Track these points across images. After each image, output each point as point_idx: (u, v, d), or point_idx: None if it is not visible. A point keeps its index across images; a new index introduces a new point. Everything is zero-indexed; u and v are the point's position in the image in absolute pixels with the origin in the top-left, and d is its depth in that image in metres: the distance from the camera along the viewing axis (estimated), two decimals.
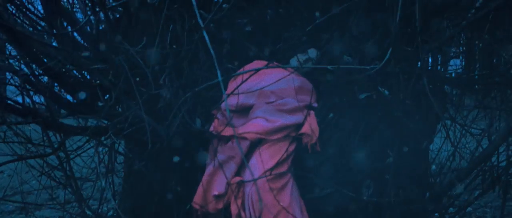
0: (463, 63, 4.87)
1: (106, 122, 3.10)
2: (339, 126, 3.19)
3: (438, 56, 4.36)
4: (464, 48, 4.73)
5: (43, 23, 3.06)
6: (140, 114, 2.63)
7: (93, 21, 3.05)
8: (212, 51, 1.77)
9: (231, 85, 3.34)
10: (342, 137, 3.17)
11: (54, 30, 2.74)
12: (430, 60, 4.54)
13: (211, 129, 3.20)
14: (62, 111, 3.21)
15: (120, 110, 2.86)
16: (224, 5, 3.68)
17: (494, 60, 4.44)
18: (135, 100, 2.67)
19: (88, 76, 3.04)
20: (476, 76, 4.20)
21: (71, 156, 3.46)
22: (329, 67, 2.67)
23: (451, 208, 4.06)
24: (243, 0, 3.68)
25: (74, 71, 2.98)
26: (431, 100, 3.23)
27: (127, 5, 3.38)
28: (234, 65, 3.57)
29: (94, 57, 2.73)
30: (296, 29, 3.73)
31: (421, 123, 3.34)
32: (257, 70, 2.79)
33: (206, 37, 1.77)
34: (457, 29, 3.49)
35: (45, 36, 2.95)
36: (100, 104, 3.08)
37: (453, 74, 4.50)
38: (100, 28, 2.98)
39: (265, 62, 3.46)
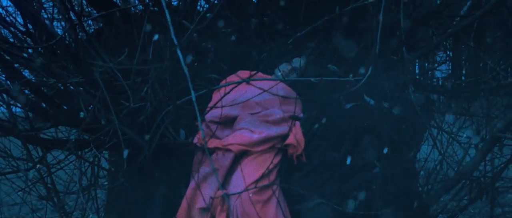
0: (449, 70, 4.87)
1: (87, 135, 3.04)
2: (325, 136, 3.15)
3: (425, 64, 4.35)
4: (449, 55, 4.73)
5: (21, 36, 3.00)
6: (120, 127, 2.57)
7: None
8: (185, 70, 1.71)
9: (216, 96, 3.29)
10: (328, 147, 3.13)
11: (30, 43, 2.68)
12: (417, 68, 4.54)
13: (195, 140, 3.15)
14: (42, 124, 3.14)
15: (103, 122, 2.79)
16: (207, 15, 3.65)
17: (480, 66, 4.44)
18: (116, 113, 2.61)
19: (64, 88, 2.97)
20: (463, 84, 4.19)
21: (53, 169, 3.39)
22: (312, 79, 2.62)
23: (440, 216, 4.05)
24: (227, 9, 3.65)
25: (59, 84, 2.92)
26: (417, 109, 3.21)
27: (108, 16, 3.33)
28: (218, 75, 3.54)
29: (73, 70, 2.67)
30: (281, 38, 3.71)
31: (408, 132, 3.31)
32: (239, 83, 2.73)
33: (180, 55, 1.71)
34: (442, 37, 3.47)
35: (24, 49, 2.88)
36: (81, 115, 3.02)
37: (439, 82, 4.49)
38: (80, 38, 2.91)
39: (248, 73, 3.42)
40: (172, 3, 3.77)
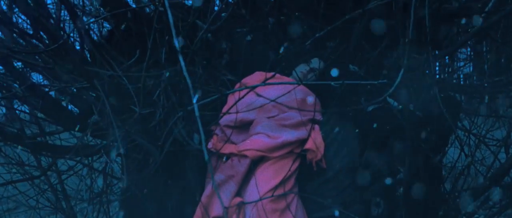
0: (471, 68, 4.67)
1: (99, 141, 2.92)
2: (346, 140, 2.99)
3: (448, 62, 4.16)
4: (472, 53, 4.54)
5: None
6: (131, 134, 2.44)
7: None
8: (188, 79, 1.57)
9: (231, 99, 3.16)
10: (348, 152, 2.97)
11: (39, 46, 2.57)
12: (437, 67, 4.34)
13: (210, 146, 3.02)
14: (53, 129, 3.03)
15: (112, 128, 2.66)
16: (222, 14, 3.51)
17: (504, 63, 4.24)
18: (125, 119, 2.48)
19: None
20: (486, 84, 3.99)
21: (63, 177, 3.28)
22: (332, 83, 2.46)
23: None
24: (242, 8, 3.51)
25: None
26: (443, 110, 3.04)
27: (119, 17, 3.22)
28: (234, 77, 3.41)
29: (80, 75, 2.55)
30: (299, 38, 3.56)
31: (434, 135, 3.14)
32: (253, 87, 2.59)
33: (182, 62, 1.57)
34: (469, 34, 3.29)
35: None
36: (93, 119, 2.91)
37: (461, 81, 4.29)
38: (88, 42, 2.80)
39: (267, 74, 3.28)
40: (185, 2, 3.63)
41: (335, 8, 3.28)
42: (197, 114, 1.58)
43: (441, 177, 3.41)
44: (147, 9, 3.56)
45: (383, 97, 2.66)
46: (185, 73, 1.58)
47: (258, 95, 2.38)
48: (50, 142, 3.07)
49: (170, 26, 2.10)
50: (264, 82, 2.13)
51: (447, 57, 3.83)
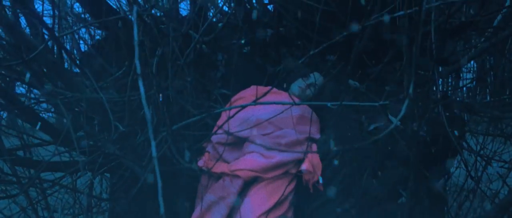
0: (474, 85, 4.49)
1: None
2: (345, 161, 2.82)
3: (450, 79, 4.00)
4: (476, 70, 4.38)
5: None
6: (114, 151, 2.28)
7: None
8: (147, 113, 1.40)
9: (224, 114, 3.00)
10: (347, 174, 2.80)
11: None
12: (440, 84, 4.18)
13: (201, 164, 2.85)
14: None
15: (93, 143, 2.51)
16: (219, 24, 3.36)
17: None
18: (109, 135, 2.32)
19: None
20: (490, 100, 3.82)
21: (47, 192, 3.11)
22: (328, 104, 2.30)
23: None
24: (239, 18, 3.36)
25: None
26: (448, 130, 2.88)
27: (110, 26, 3.07)
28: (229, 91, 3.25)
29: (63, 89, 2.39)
30: (298, 51, 3.41)
31: (438, 156, 2.97)
32: (244, 106, 2.42)
33: (141, 88, 1.40)
34: (476, 51, 3.13)
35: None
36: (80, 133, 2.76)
37: (467, 99, 4.12)
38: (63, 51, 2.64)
39: (263, 88, 3.12)
40: (180, 12, 3.48)
41: (335, 20, 3.13)
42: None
43: (445, 201, 3.23)
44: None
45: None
46: (143, 101, 1.40)
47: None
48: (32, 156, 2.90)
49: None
50: (255, 101, 1.96)
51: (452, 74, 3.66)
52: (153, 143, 1.31)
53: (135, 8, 1.51)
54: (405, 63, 2.49)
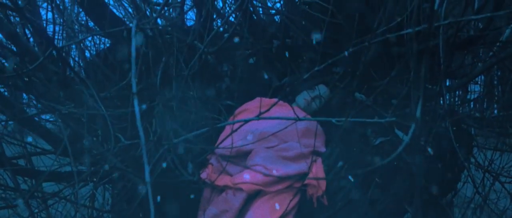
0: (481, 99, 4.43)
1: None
2: (350, 175, 2.77)
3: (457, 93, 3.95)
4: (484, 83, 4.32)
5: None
6: (115, 163, 2.25)
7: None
8: (141, 131, 1.37)
9: (229, 126, 2.97)
10: (353, 188, 2.76)
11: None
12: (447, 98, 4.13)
13: (204, 176, 2.82)
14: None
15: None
16: (225, 35, 3.34)
17: None
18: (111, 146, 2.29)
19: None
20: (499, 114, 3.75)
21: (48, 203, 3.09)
22: (334, 121, 2.26)
23: None
24: (245, 29, 3.33)
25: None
26: (455, 145, 2.83)
27: (115, 35, 3.05)
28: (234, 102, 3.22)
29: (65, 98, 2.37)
30: (304, 62, 3.38)
31: (444, 172, 2.92)
32: (247, 120, 2.39)
33: (136, 107, 1.37)
34: (486, 64, 3.08)
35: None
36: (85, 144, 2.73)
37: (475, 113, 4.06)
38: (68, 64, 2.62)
39: (268, 100, 3.09)
40: (186, 23, 3.46)
41: (342, 32, 3.10)
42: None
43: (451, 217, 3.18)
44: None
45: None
46: (138, 124, 1.37)
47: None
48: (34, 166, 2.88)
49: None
50: (259, 116, 1.92)
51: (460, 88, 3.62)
52: (147, 168, 1.27)
53: (134, 21, 1.48)
54: (412, 81, 2.46)
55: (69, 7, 3.68)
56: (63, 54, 2.87)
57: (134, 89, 1.34)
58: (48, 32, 2.63)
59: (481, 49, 3.46)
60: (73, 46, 3.68)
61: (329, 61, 2.44)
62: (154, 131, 2.62)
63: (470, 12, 3.03)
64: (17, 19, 2.74)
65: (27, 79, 2.30)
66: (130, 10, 4.00)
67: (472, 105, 3.99)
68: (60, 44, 3.33)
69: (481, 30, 3.16)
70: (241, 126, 2.49)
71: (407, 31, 2.27)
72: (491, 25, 3.10)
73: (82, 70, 3.42)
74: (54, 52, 2.16)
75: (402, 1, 2.91)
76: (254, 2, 3.67)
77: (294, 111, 2.37)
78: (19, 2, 2.80)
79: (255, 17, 3.53)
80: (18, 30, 2.49)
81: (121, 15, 3.98)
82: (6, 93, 2.59)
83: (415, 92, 2.69)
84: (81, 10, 3.31)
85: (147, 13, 3.05)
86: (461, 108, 3.57)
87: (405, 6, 2.88)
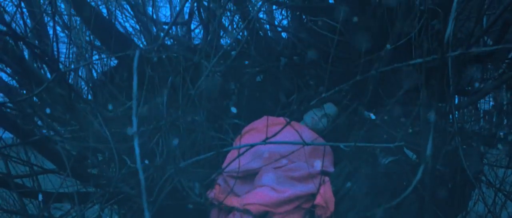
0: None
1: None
2: (359, 196, 2.74)
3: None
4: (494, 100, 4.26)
5: None
6: (122, 187, 2.24)
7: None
8: (141, 174, 1.35)
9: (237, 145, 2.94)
10: (361, 209, 2.72)
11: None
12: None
13: (211, 196, 2.79)
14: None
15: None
16: (232, 53, 3.32)
17: None
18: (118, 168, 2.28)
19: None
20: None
21: None
22: (342, 146, 2.23)
23: None
24: (252, 47, 3.32)
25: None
26: (464, 164, 2.79)
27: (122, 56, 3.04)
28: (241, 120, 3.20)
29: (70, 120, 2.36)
30: (312, 80, 3.36)
31: (455, 191, 2.88)
32: (252, 145, 2.37)
33: (136, 146, 1.35)
34: (498, 81, 3.05)
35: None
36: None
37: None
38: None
39: (276, 119, 3.07)
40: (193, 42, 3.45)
41: (350, 49, 3.08)
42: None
43: None
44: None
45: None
46: (139, 167, 1.34)
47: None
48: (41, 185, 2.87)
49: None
50: (265, 141, 1.90)
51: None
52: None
53: (137, 52, 1.47)
54: (421, 100, 2.43)
55: (77, 27, 3.70)
56: (70, 75, 2.86)
57: (135, 128, 1.31)
58: (54, 52, 2.63)
59: (491, 66, 3.42)
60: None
61: (334, 90, 2.39)
62: (161, 152, 2.60)
63: (479, 29, 3.00)
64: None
65: (36, 102, 2.30)
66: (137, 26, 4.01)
67: (482, 123, 3.95)
68: (68, 63, 3.33)
69: (491, 47, 3.13)
70: (246, 151, 2.47)
71: (416, 61, 2.23)
72: (502, 42, 3.08)
73: (90, 90, 3.42)
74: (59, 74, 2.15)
75: (410, 19, 2.89)
76: (261, 19, 3.66)
77: (298, 132, 2.33)
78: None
79: (262, 35, 3.51)
80: (24, 53, 2.49)
81: (129, 28, 3.98)
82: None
83: (424, 111, 2.67)
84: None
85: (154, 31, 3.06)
86: (470, 126, 3.52)
87: (414, 24, 2.87)
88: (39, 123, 2.59)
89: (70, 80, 3.48)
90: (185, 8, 3.68)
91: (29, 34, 3.20)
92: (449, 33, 1.96)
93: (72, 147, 2.30)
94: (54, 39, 2.55)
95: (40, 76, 2.08)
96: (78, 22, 3.53)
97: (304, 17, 3.54)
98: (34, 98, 2.42)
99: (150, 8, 3.56)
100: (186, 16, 3.62)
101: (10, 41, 2.09)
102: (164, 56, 2.78)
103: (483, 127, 3.59)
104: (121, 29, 3.66)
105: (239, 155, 2.36)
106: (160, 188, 2.37)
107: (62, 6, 3.76)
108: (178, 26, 3.81)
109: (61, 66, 3.57)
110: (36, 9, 3.16)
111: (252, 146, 2.41)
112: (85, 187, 2.91)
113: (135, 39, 3.66)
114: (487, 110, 4.28)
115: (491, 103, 4.15)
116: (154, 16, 3.66)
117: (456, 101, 3.60)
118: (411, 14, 2.88)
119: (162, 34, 2.90)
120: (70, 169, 2.47)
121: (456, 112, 3.54)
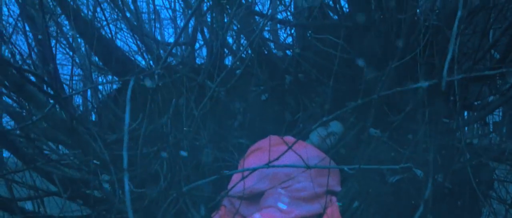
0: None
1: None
2: (366, 216, 2.70)
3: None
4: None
5: None
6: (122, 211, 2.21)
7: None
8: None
9: (242, 165, 2.91)
10: None
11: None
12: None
13: None
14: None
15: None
16: (237, 71, 3.30)
17: None
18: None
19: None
20: None
21: None
22: (346, 168, 2.19)
23: None
24: (257, 65, 3.30)
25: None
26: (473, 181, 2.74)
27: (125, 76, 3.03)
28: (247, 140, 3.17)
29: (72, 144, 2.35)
30: (318, 98, 3.33)
31: (465, 209, 2.83)
32: (254, 169, 2.33)
33: (126, 185, 1.32)
34: (504, 97, 3.01)
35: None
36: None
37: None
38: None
39: (281, 138, 3.03)
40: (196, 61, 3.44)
41: (355, 68, 3.06)
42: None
43: None
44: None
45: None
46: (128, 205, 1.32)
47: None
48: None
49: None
50: (268, 164, 1.87)
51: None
52: None
53: (131, 80, 1.45)
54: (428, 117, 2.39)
55: (82, 48, 3.70)
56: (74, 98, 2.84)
57: (125, 164, 1.29)
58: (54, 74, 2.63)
59: (499, 81, 3.37)
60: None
61: (336, 113, 2.36)
62: (165, 174, 2.57)
63: (485, 44, 2.97)
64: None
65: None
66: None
67: (491, 136, 3.89)
68: (71, 84, 3.32)
69: (497, 61, 3.10)
70: (249, 174, 2.44)
71: (421, 84, 2.20)
72: (508, 56, 3.04)
73: (94, 111, 3.41)
74: (59, 102, 2.14)
75: (414, 35, 2.86)
76: (265, 37, 3.65)
77: (298, 153, 2.30)
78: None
79: (266, 53, 3.49)
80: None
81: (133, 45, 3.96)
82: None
83: (433, 128, 2.64)
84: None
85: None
86: (479, 141, 3.47)
87: (418, 40, 2.84)
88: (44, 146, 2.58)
89: (75, 102, 3.47)
90: (189, 28, 3.68)
91: (33, 56, 3.21)
92: (451, 55, 1.91)
93: (75, 170, 2.28)
94: (53, 64, 2.54)
95: (42, 102, 2.07)
96: (82, 43, 3.53)
97: (309, 34, 3.52)
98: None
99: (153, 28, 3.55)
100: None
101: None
102: (166, 77, 2.76)
103: (492, 140, 3.54)
104: (125, 46, 3.66)
105: (243, 178, 2.33)
106: (164, 211, 2.34)
107: (67, 26, 3.76)
108: (183, 46, 3.79)
109: (65, 87, 3.59)
110: (41, 29, 3.17)
111: (254, 169, 2.37)
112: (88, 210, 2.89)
113: (139, 58, 3.64)
114: (497, 122, 4.23)
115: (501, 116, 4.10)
116: (159, 37, 3.66)
117: (465, 116, 3.56)
118: (415, 31, 2.85)
119: (162, 53, 2.88)
120: (72, 192, 2.45)
121: (466, 127, 3.50)
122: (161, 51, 3.33)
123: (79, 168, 2.38)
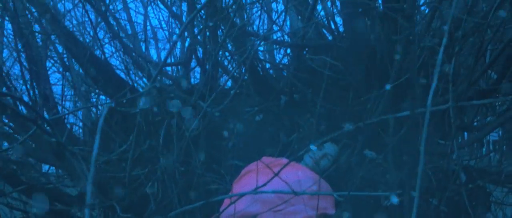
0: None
1: None
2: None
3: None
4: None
5: None
6: None
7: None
8: None
9: (235, 187, 2.87)
10: None
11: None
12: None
13: None
14: None
15: None
16: (231, 92, 3.27)
17: None
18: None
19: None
20: None
21: None
22: (335, 195, 2.16)
23: None
24: (252, 85, 3.27)
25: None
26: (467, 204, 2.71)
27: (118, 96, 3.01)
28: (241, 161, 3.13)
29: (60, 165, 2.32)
30: (313, 118, 3.29)
31: None
32: (243, 194, 2.29)
33: None
34: (502, 118, 2.98)
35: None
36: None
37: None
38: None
39: (275, 160, 2.99)
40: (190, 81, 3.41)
41: (350, 88, 3.03)
42: None
43: None
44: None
45: None
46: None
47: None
48: None
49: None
50: (256, 190, 1.83)
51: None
52: None
53: (104, 109, 1.42)
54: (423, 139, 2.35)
55: (76, 68, 3.67)
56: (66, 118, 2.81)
57: (89, 199, 1.25)
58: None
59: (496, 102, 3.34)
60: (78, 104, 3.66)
61: (330, 135, 2.33)
62: (155, 196, 2.53)
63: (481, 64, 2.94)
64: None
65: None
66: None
67: (489, 159, 3.86)
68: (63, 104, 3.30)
69: (494, 82, 3.07)
70: (237, 199, 2.39)
71: (420, 110, 2.17)
72: (506, 76, 3.01)
73: (86, 132, 3.38)
74: (45, 124, 2.11)
75: (410, 56, 2.83)
76: (260, 57, 3.63)
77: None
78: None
79: (261, 73, 3.46)
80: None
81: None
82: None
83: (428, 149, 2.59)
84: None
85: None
86: (476, 163, 3.43)
87: (414, 60, 2.81)
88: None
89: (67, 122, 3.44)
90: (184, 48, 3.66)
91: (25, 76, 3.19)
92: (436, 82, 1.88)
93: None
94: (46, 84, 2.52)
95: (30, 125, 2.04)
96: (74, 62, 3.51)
97: (305, 53, 3.50)
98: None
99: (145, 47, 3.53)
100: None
101: None
102: (159, 97, 2.73)
103: (491, 160, 3.51)
104: (119, 64, 3.64)
105: (231, 203, 2.28)
106: None
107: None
108: (178, 66, 3.77)
109: (59, 107, 3.56)
110: (34, 50, 3.16)
111: (242, 194, 2.33)
112: None
113: (132, 76, 3.61)
114: (496, 140, 4.20)
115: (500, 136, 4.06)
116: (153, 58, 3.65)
117: (462, 138, 3.53)
118: (410, 52, 2.83)
119: (153, 72, 2.86)
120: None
121: (465, 147, 3.46)
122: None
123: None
